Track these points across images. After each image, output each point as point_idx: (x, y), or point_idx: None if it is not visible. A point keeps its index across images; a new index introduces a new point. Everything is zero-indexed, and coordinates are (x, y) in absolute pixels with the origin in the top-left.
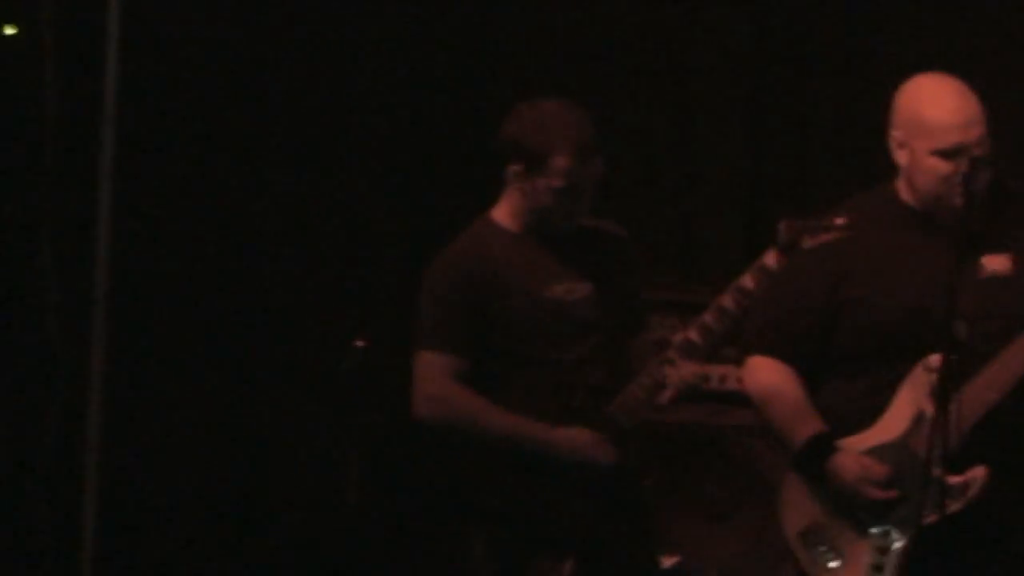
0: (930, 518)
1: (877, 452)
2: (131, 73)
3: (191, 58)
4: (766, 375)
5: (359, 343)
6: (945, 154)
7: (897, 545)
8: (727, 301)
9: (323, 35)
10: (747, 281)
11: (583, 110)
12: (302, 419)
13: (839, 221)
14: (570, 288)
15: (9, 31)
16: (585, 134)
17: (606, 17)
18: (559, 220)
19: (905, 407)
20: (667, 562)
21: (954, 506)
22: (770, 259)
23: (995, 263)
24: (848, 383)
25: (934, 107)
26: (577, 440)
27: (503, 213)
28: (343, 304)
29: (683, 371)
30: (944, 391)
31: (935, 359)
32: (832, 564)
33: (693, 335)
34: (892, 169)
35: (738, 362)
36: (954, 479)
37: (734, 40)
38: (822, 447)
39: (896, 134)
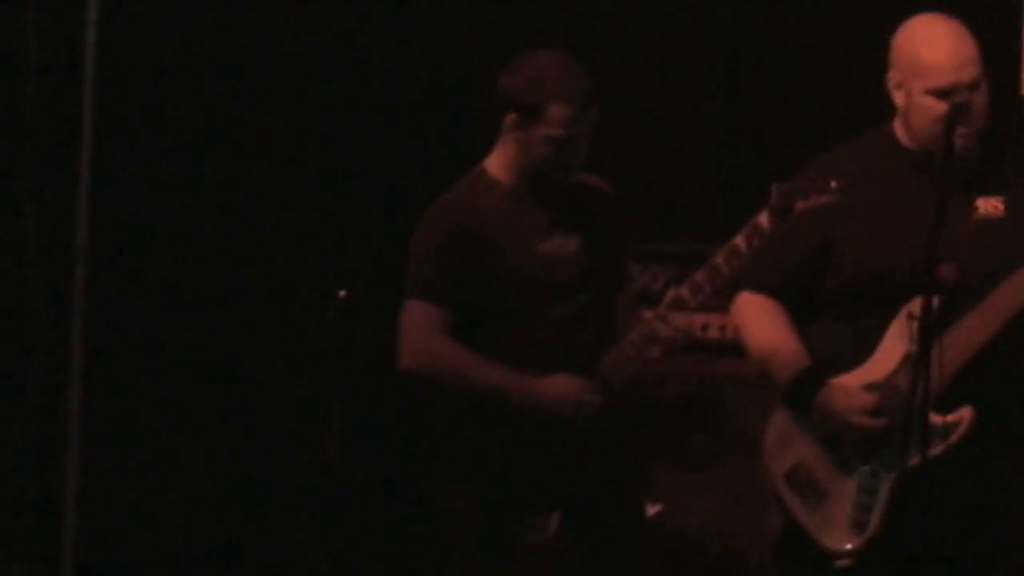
0: (914, 460)
1: (866, 389)
2: (111, 32)
3: (174, 28)
4: (754, 310)
5: (342, 293)
6: (939, 93)
7: (883, 485)
8: (719, 259)
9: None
10: (740, 241)
11: (579, 61)
12: (284, 370)
13: (834, 184)
14: (561, 243)
15: None
16: (583, 84)
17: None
18: (553, 172)
19: (893, 349)
20: (650, 511)
21: (939, 447)
22: (763, 220)
23: (988, 206)
24: (837, 325)
25: (929, 47)
26: (564, 386)
27: (496, 165)
28: (325, 255)
29: (676, 322)
30: (925, 332)
31: (917, 303)
32: (819, 504)
33: (684, 292)
34: (871, 124)
35: (723, 308)
36: (937, 420)
37: None
38: (810, 380)
39: (893, 75)
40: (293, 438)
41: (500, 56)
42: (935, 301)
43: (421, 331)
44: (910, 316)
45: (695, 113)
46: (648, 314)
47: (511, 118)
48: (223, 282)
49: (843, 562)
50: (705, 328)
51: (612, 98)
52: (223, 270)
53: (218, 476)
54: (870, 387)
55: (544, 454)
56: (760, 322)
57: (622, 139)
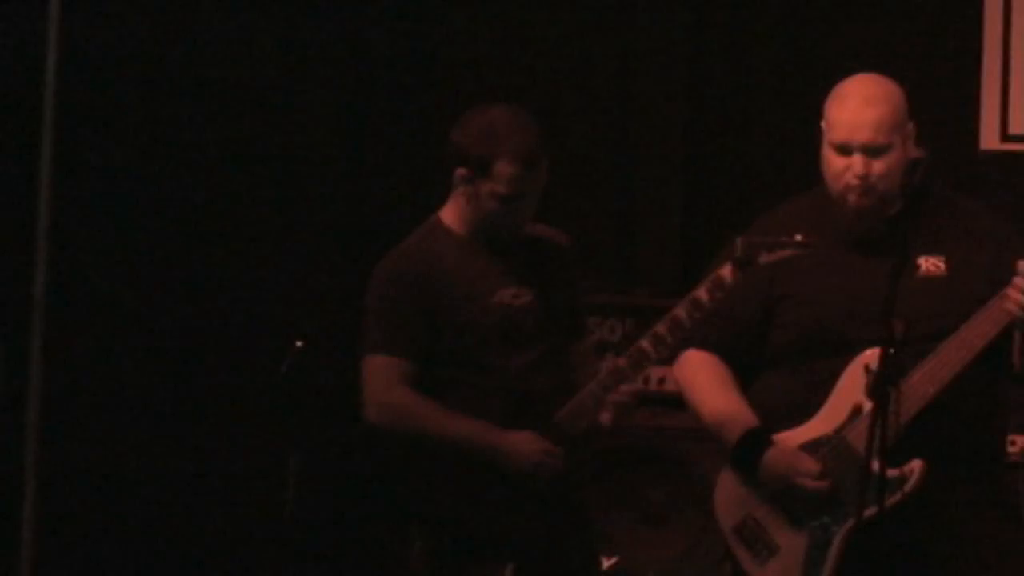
0: (870, 511)
1: (813, 446)
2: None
3: (134, 52)
4: (700, 369)
5: (299, 343)
6: (836, 147)
7: (835, 539)
8: (681, 312)
9: (263, 33)
10: (702, 293)
11: (531, 116)
12: (241, 421)
13: (798, 238)
14: (516, 294)
15: None
16: (532, 141)
17: (546, 20)
18: (503, 227)
19: (842, 402)
20: (606, 563)
21: (892, 499)
22: (726, 272)
23: (930, 264)
24: (784, 378)
25: (838, 101)
26: (528, 446)
27: (450, 216)
28: (282, 305)
29: (619, 396)
30: (882, 384)
31: (872, 354)
32: (769, 558)
33: (646, 345)
34: None
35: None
36: (892, 472)
37: (672, 41)
38: (756, 441)
39: (822, 124)
40: (250, 489)
41: (456, 106)
42: (891, 353)
43: (385, 385)
44: (864, 367)
45: (655, 165)
46: (607, 364)
47: (460, 172)
48: (178, 332)
49: None
50: (662, 381)
51: (570, 150)
52: (179, 321)
53: (174, 528)
54: (819, 441)
55: (500, 506)
56: (705, 382)
57: (580, 191)
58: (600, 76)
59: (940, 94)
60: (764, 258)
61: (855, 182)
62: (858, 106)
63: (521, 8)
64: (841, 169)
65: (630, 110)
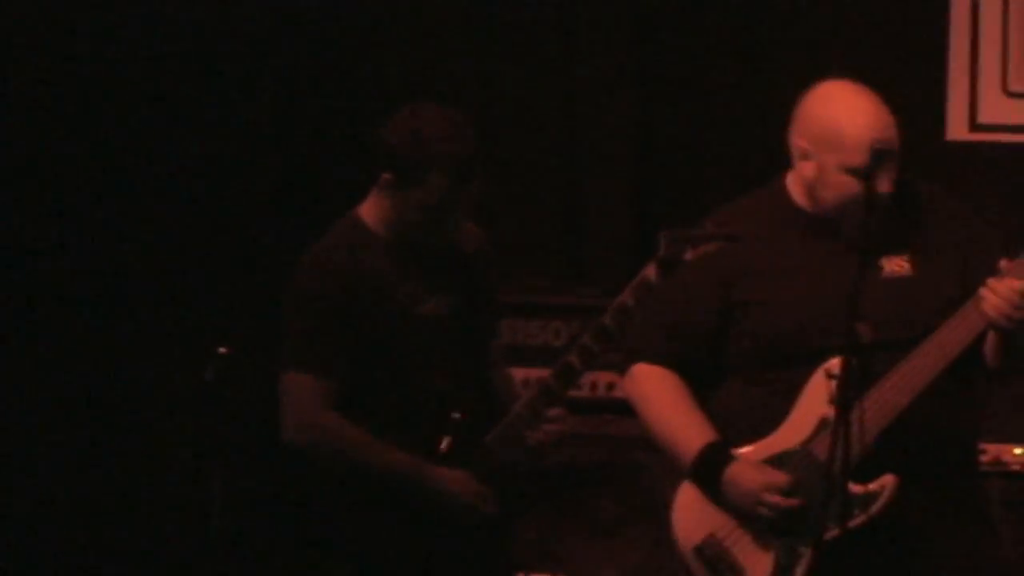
0: (833, 531)
1: (778, 460)
2: None
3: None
4: (651, 383)
5: (222, 350)
6: (854, 170)
7: (802, 559)
8: (607, 320)
9: (191, 34)
10: (628, 299)
11: (465, 121)
12: (164, 432)
13: (722, 230)
14: (440, 302)
15: None
16: (467, 152)
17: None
18: (426, 235)
19: (807, 413)
20: None
21: (859, 518)
22: (651, 272)
23: (893, 264)
24: (745, 389)
25: (849, 121)
26: (460, 486)
27: (372, 216)
28: (205, 308)
29: (549, 426)
30: (845, 396)
31: (836, 363)
32: None
33: (573, 358)
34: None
35: (621, 370)
36: (858, 489)
37: (620, 25)
38: (717, 456)
39: (801, 143)
40: (173, 501)
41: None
42: (854, 361)
43: (306, 406)
44: (828, 375)
45: (603, 156)
46: (533, 385)
47: (387, 178)
48: (98, 337)
49: None
50: (611, 387)
51: (514, 142)
52: (98, 324)
53: (96, 538)
54: (784, 456)
55: (420, 537)
56: (657, 396)
57: (523, 183)
58: (545, 63)
59: (906, 83)
60: (690, 254)
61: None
62: (873, 121)
63: None
64: (859, 192)
65: (577, 99)
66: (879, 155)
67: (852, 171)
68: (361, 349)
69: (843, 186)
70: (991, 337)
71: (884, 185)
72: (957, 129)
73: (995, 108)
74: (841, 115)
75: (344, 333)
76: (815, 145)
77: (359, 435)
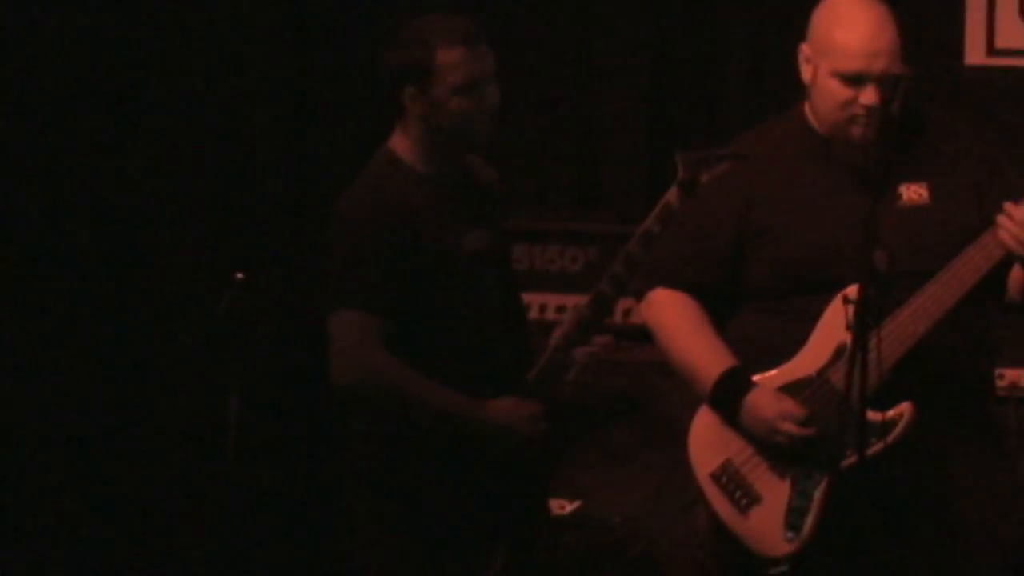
0: (850, 459)
1: (795, 387)
2: None
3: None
4: (670, 309)
5: (239, 275)
6: (844, 78)
7: (819, 487)
8: (634, 247)
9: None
10: (653, 225)
11: (453, 9)
12: (180, 360)
13: (737, 149)
14: (479, 236)
15: None
16: (462, 24)
17: None
18: (474, 128)
19: (825, 340)
20: (568, 508)
21: (876, 446)
22: (672, 197)
23: (912, 192)
24: (763, 316)
25: (845, 28)
26: (514, 414)
27: (405, 148)
28: (221, 234)
29: (580, 356)
30: (862, 324)
31: (854, 289)
32: (750, 507)
33: (605, 287)
34: (801, 95)
35: (638, 296)
36: (875, 416)
37: None
38: (737, 382)
39: (805, 48)
40: (188, 432)
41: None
42: (871, 289)
43: (357, 344)
44: (847, 300)
45: (618, 81)
46: (569, 315)
47: (408, 91)
48: (110, 265)
49: (777, 570)
50: (627, 313)
51: (530, 71)
52: (111, 252)
53: (111, 472)
54: (801, 383)
55: (483, 483)
56: (676, 322)
57: (537, 109)
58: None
59: (923, 8)
60: (705, 177)
61: (862, 111)
62: (871, 32)
63: None
64: (847, 99)
65: (593, 25)
66: (862, 74)
67: (839, 76)
68: (409, 285)
69: (830, 92)
70: (1016, 271)
71: (869, 96)
72: (975, 54)
73: (1013, 32)
74: (838, 22)
75: (391, 269)
76: (813, 49)
77: (411, 373)
